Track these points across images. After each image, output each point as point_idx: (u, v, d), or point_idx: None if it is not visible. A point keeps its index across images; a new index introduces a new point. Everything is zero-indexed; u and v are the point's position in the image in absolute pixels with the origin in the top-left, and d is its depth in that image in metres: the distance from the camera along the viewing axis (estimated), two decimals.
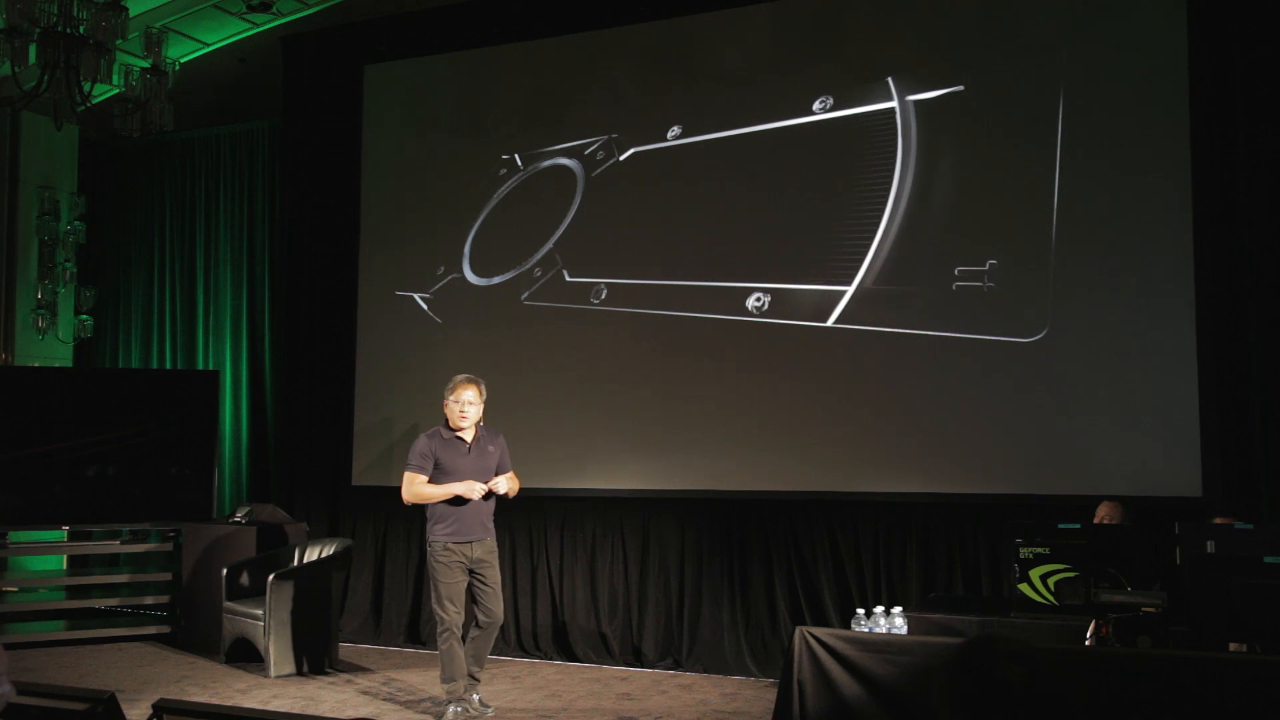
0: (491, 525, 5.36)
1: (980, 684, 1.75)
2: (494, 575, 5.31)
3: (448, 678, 5.22)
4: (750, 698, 5.74)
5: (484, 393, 5.38)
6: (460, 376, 5.38)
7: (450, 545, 5.21)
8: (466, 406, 5.28)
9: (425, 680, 6.14)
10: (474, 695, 5.33)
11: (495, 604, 5.30)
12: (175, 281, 9.00)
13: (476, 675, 5.33)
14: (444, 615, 5.20)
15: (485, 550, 5.29)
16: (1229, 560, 3.80)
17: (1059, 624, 3.94)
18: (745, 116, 6.53)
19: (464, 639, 5.29)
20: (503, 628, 5.98)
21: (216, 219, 8.82)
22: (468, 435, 5.34)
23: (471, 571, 5.27)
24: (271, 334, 8.45)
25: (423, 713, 5.43)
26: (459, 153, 7.40)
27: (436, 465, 5.29)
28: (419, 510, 7.18)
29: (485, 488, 5.24)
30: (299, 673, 6.24)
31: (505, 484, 5.31)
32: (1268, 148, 5.45)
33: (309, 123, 8.00)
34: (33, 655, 6.78)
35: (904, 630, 4.04)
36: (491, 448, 5.36)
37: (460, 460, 5.28)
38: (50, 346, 8.67)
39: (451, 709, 5.19)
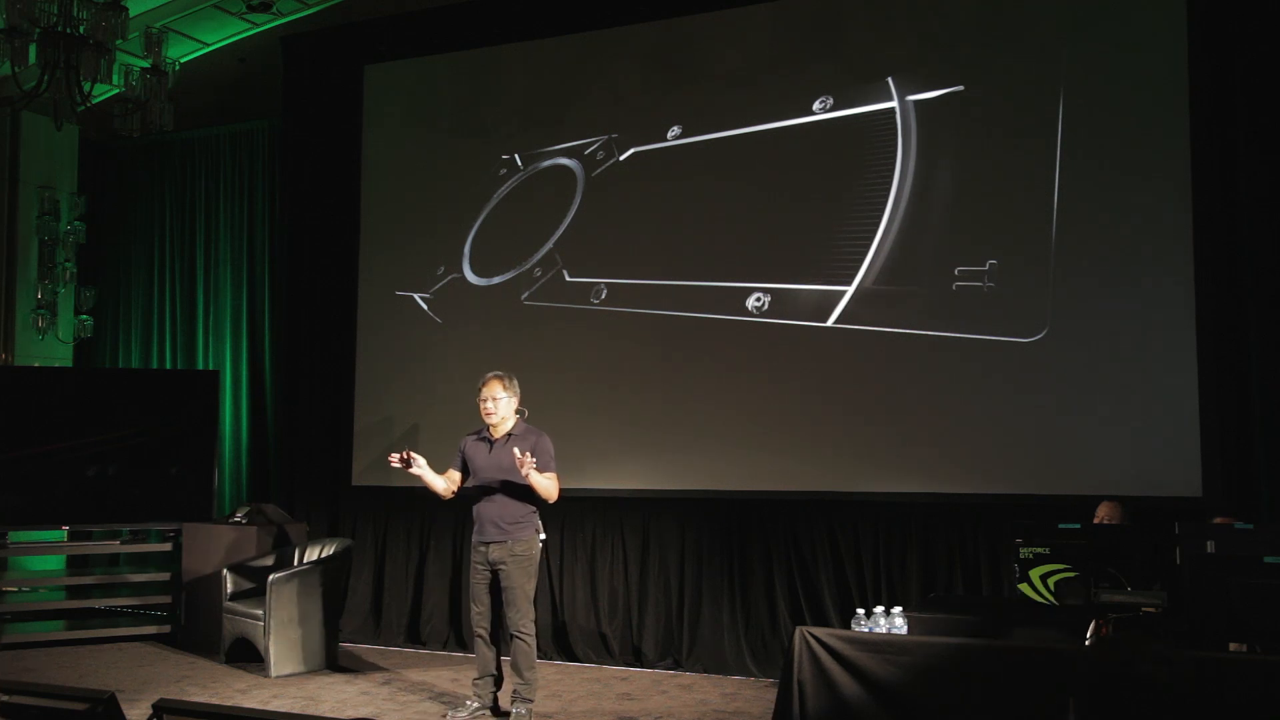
0: (512, 528, 5.13)
1: (1120, 682, 1.73)
2: (510, 581, 5.12)
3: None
4: (750, 698, 5.74)
5: (512, 388, 5.24)
6: (489, 373, 5.30)
7: (476, 545, 5.24)
8: (487, 403, 5.20)
9: (425, 680, 6.15)
10: (490, 699, 5.33)
11: (511, 612, 5.14)
12: (175, 281, 9.00)
13: (517, 688, 5.17)
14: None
15: (503, 552, 5.12)
16: (1229, 560, 3.80)
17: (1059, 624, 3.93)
18: (745, 116, 6.53)
19: (497, 640, 5.29)
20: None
21: (216, 219, 8.82)
22: (498, 433, 5.23)
23: (494, 575, 5.21)
24: (271, 334, 8.45)
25: (422, 713, 5.43)
26: (459, 153, 7.40)
27: (467, 463, 5.30)
28: (419, 510, 7.23)
29: (397, 457, 5.18)
30: (299, 673, 6.23)
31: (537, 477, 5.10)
32: (1268, 148, 5.46)
33: (309, 123, 8.00)
34: (33, 655, 6.78)
35: (904, 630, 4.03)
36: (519, 448, 5.06)
37: (482, 459, 5.22)
38: (50, 346, 8.67)
39: (470, 704, 5.30)
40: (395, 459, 5.17)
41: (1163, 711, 1.71)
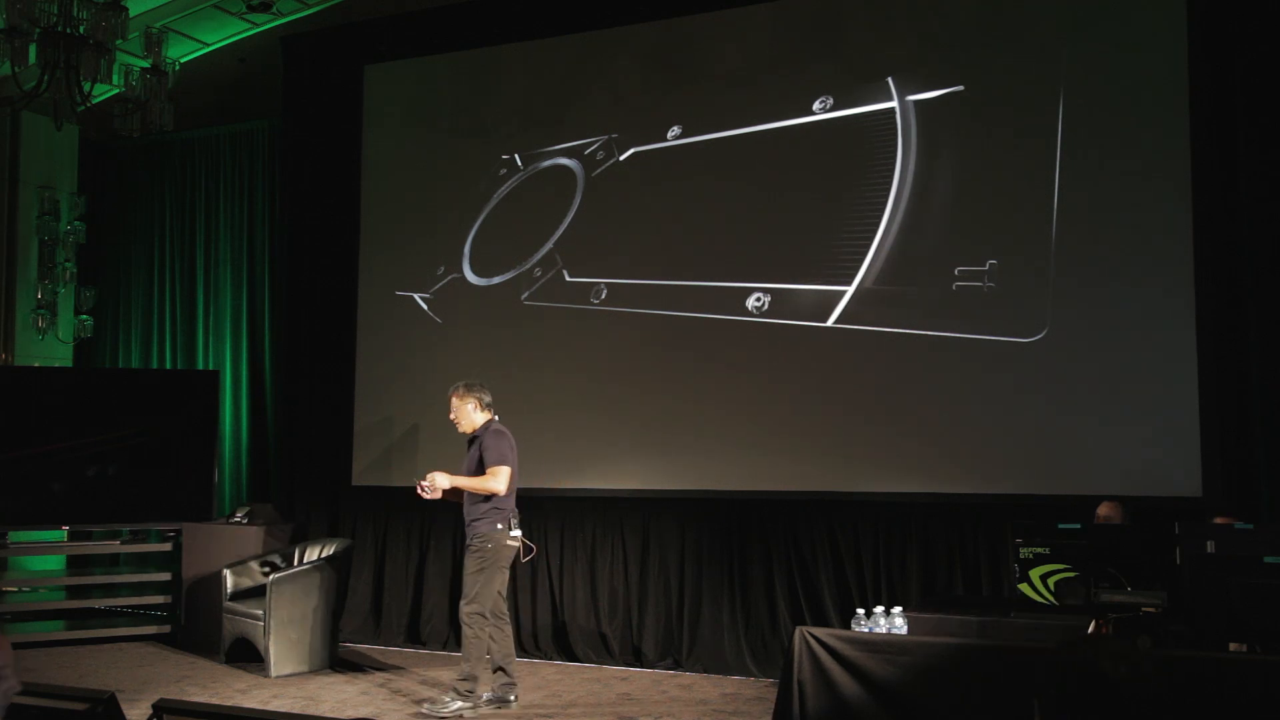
0: (473, 524, 5.43)
1: (1085, 683, 1.73)
2: (465, 570, 5.42)
3: None
4: (750, 698, 5.74)
5: (468, 397, 5.55)
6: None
7: None
8: (450, 415, 5.59)
9: (425, 680, 6.14)
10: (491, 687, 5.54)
11: (461, 599, 5.44)
12: (175, 281, 9.00)
13: (454, 680, 5.48)
14: None
15: (469, 541, 5.45)
16: (1229, 560, 3.79)
17: (1059, 624, 3.93)
18: (745, 116, 6.53)
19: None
20: None
21: (216, 219, 8.82)
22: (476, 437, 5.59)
23: None
24: (271, 334, 8.45)
25: (423, 713, 5.43)
26: (459, 153, 7.40)
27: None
28: (419, 510, 7.22)
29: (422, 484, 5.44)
30: (299, 673, 6.24)
31: (442, 479, 5.39)
32: (1268, 148, 5.45)
33: (309, 123, 8.00)
34: (33, 655, 6.77)
35: (904, 630, 4.04)
36: (476, 449, 5.50)
37: (464, 461, 5.61)
38: (50, 346, 8.67)
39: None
40: (424, 491, 5.44)
41: (1124, 710, 1.72)
